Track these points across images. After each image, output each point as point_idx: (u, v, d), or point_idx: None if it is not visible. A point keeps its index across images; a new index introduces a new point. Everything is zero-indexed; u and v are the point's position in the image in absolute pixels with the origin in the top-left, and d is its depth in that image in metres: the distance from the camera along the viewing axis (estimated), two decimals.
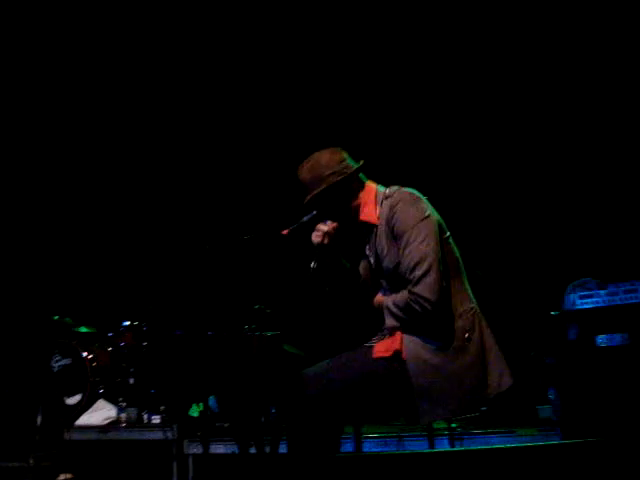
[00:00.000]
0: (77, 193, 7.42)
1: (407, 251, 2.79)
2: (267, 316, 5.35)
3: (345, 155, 3.02)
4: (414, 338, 2.82)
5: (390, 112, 6.61)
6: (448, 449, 4.21)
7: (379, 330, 3.01)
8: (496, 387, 2.83)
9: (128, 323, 6.43)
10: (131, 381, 6.06)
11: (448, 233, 2.95)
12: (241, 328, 5.11)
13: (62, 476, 5.32)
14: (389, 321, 2.89)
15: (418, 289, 2.75)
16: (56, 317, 6.76)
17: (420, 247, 2.77)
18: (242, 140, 7.13)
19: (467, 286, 2.94)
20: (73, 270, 7.26)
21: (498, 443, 4.38)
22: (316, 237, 2.99)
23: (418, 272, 2.75)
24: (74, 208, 7.43)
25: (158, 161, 7.35)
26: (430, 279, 2.74)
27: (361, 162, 3.04)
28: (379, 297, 3.01)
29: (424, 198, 2.95)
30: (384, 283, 3.00)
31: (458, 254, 2.96)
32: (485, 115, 6.51)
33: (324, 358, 3.03)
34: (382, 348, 2.90)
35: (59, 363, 6.47)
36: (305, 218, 3.08)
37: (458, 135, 6.54)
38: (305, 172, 3.00)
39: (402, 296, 2.83)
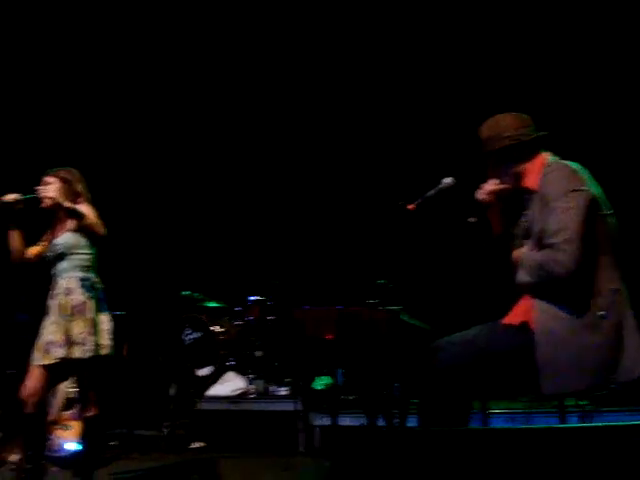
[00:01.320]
0: (204, 171, 7.63)
1: (551, 218, 2.73)
2: (390, 291, 5.32)
3: (528, 122, 3.01)
4: (546, 307, 2.74)
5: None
6: (577, 425, 4.04)
7: (510, 303, 2.94)
8: (629, 373, 2.70)
9: (255, 298, 6.58)
10: (258, 354, 6.20)
11: (608, 211, 2.84)
12: (365, 302, 5.10)
13: (195, 444, 5.51)
14: (521, 277, 2.82)
15: (558, 254, 2.67)
16: (186, 292, 7.00)
17: (564, 216, 2.70)
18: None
19: (616, 267, 2.82)
20: (201, 246, 7.48)
21: (629, 421, 4.16)
22: (480, 194, 3.01)
23: (560, 238, 2.67)
24: (197, 186, 7.65)
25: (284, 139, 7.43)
26: (571, 247, 2.65)
27: (541, 134, 3.00)
28: (518, 252, 2.94)
29: (584, 172, 2.86)
30: (529, 247, 2.94)
31: (615, 234, 2.85)
32: None
33: (449, 332, 2.99)
34: (511, 315, 2.85)
35: (190, 337, 6.70)
36: (431, 192, 3.10)
37: None
38: (484, 130, 3.04)
39: (542, 254, 2.75)
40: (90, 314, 3.72)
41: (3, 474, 4.25)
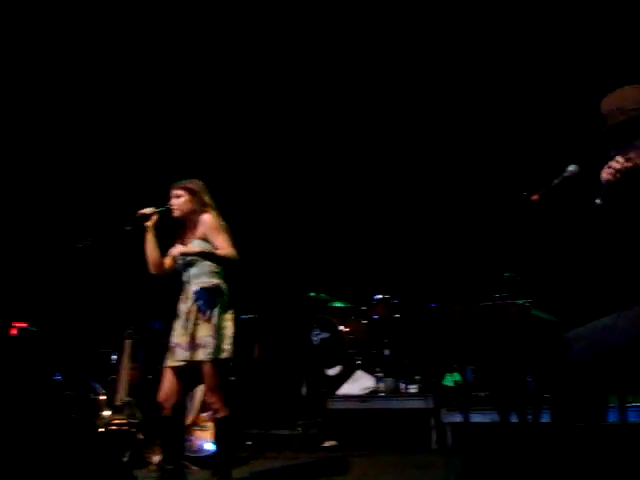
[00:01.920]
0: (331, 174, 7.70)
1: None
2: (518, 284, 5.19)
3: None
4: None
5: None
6: None
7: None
8: None
9: (380, 296, 6.59)
10: (386, 352, 6.20)
11: None
12: (493, 297, 5.00)
13: (327, 443, 5.59)
14: None
15: None
16: (312, 294, 7.10)
17: None
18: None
19: None
20: (326, 248, 7.55)
21: None
22: (606, 174, 2.78)
23: None
24: (323, 189, 7.72)
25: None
26: None
27: None
28: None
29: None
30: None
31: None
32: None
33: (578, 324, 2.86)
34: None
35: (319, 337, 6.80)
36: (556, 181, 2.92)
37: None
38: (607, 103, 2.87)
39: None
40: (215, 318, 3.85)
41: (146, 475, 4.46)
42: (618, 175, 2.76)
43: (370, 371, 6.12)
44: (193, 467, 4.74)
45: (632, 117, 2.75)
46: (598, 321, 2.79)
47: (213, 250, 3.91)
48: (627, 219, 2.82)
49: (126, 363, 5.02)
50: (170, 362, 3.88)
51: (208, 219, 4.00)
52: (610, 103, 2.84)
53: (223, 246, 3.93)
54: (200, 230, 3.99)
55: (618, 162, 2.76)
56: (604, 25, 6.15)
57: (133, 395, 4.96)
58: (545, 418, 3.88)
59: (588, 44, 6.22)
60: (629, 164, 2.76)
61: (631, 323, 2.69)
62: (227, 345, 3.84)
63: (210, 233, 3.97)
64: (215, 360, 3.78)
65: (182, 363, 3.82)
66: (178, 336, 3.88)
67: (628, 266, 2.89)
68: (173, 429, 3.91)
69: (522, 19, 6.50)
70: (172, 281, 4.18)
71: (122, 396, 4.90)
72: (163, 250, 4.12)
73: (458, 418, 4.98)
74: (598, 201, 2.75)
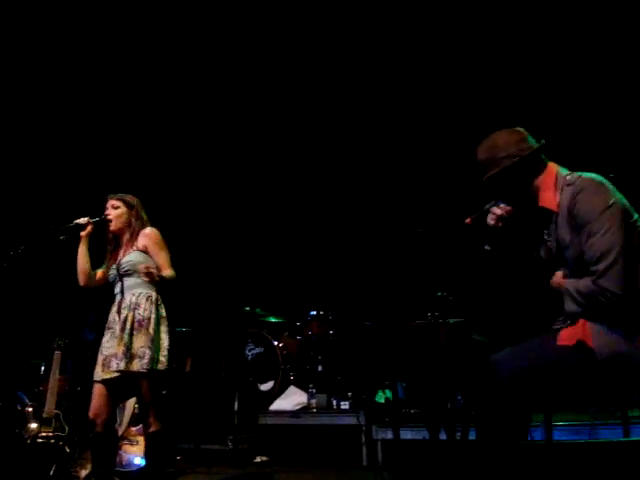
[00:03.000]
0: (265, 190, 7.73)
1: (590, 243, 2.63)
2: (450, 303, 5.29)
3: (524, 135, 2.89)
4: (600, 327, 2.67)
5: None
6: None
7: (559, 314, 2.88)
8: None
9: (315, 313, 6.63)
10: (319, 368, 6.24)
11: (636, 216, 2.76)
12: (425, 316, 5.10)
13: (258, 458, 5.57)
14: (569, 306, 2.75)
15: (603, 282, 2.59)
16: (247, 308, 7.10)
17: (604, 239, 2.61)
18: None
19: None
20: (262, 263, 7.57)
21: None
22: (490, 220, 2.92)
23: (603, 265, 2.59)
24: (262, 205, 7.75)
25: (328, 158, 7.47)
26: (616, 271, 2.57)
27: (541, 142, 2.88)
28: (558, 278, 2.87)
29: (608, 183, 2.76)
30: (566, 271, 2.87)
31: None
32: None
33: (508, 344, 2.95)
34: (566, 336, 2.75)
35: (253, 351, 6.80)
36: (488, 206, 2.99)
37: None
38: (481, 152, 2.93)
39: (585, 284, 2.66)
40: (152, 329, 3.81)
41: None
42: (500, 221, 2.89)
43: (303, 387, 6.13)
44: None
45: (504, 167, 2.83)
46: (523, 343, 2.88)
47: (153, 264, 3.89)
48: (511, 261, 2.93)
49: (55, 374, 4.92)
50: (102, 375, 3.79)
51: (152, 233, 3.99)
52: (483, 152, 2.92)
53: (165, 266, 3.90)
54: (141, 242, 3.96)
55: (499, 209, 2.90)
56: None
57: (61, 407, 4.86)
58: (473, 435, 3.98)
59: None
60: (509, 209, 2.89)
61: (549, 346, 2.79)
62: (163, 357, 3.80)
63: (153, 248, 3.95)
64: (151, 372, 3.73)
65: (116, 374, 3.75)
66: (111, 347, 3.80)
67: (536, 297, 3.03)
68: (105, 445, 3.83)
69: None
70: (104, 291, 4.13)
71: (50, 408, 4.80)
72: (95, 262, 4.08)
73: (389, 435, 5.04)
74: (487, 247, 2.91)
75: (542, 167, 2.86)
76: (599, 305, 2.62)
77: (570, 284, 2.75)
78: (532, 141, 2.88)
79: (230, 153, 7.69)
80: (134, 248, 3.96)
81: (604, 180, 2.75)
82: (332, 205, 7.53)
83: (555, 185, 2.80)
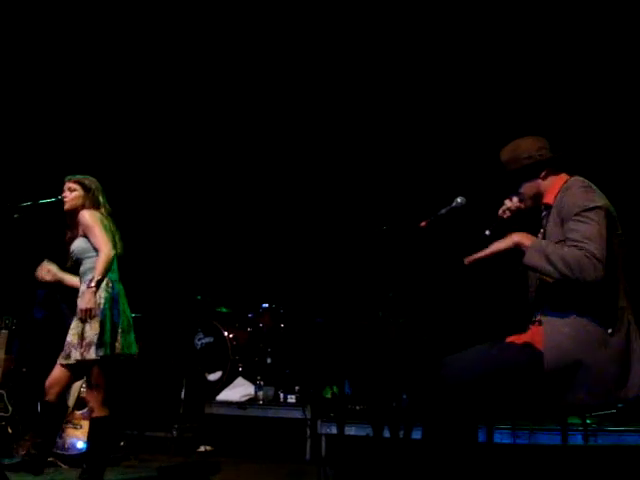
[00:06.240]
0: (223, 181, 7.70)
1: (574, 228, 2.76)
2: (401, 304, 5.36)
3: (545, 144, 3.13)
4: (556, 326, 2.76)
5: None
6: (581, 444, 4.06)
7: (525, 321, 2.98)
8: (636, 390, 2.72)
9: (267, 305, 6.65)
10: (268, 361, 6.26)
11: (619, 231, 2.88)
12: (376, 315, 5.15)
13: (202, 448, 5.58)
14: (543, 265, 2.75)
15: (589, 246, 2.68)
16: (199, 297, 7.07)
17: (589, 226, 2.74)
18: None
19: (624, 284, 2.84)
20: (217, 252, 7.55)
21: (633, 441, 4.17)
22: (501, 210, 3.12)
23: (587, 241, 2.69)
24: (214, 192, 7.72)
25: (290, 152, 7.48)
26: (599, 254, 2.66)
27: (558, 154, 3.10)
28: (523, 235, 2.91)
29: (597, 189, 2.90)
30: None
31: (624, 252, 2.87)
32: None
33: (457, 346, 3.02)
34: (515, 337, 2.86)
35: (202, 341, 6.79)
36: (442, 211, 3.20)
37: None
38: (505, 153, 3.16)
39: (571, 251, 2.71)
40: (103, 315, 3.78)
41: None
42: (509, 213, 3.10)
43: (251, 379, 6.15)
44: (62, 465, 4.63)
45: (525, 165, 3.06)
46: (472, 348, 2.95)
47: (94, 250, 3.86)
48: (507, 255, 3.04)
49: (0, 354, 4.85)
50: (63, 360, 3.78)
51: (83, 217, 3.94)
52: (507, 153, 3.15)
53: (100, 246, 3.85)
54: (80, 228, 3.94)
55: (512, 201, 3.11)
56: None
57: (5, 387, 4.79)
58: (416, 435, 4.05)
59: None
60: (519, 204, 3.09)
61: (500, 352, 2.86)
62: (117, 342, 3.79)
63: (88, 231, 3.91)
64: (103, 358, 3.72)
65: (74, 362, 3.74)
66: (71, 335, 3.79)
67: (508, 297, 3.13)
68: (52, 415, 3.80)
69: None
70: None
71: None
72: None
73: (333, 430, 5.09)
74: (487, 232, 3.07)
75: (555, 173, 3.07)
76: (578, 276, 2.66)
77: (550, 246, 2.80)
78: (550, 152, 3.11)
79: (188, 140, 7.65)
80: (78, 234, 3.94)
81: (592, 185, 2.92)
82: (287, 197, 7.54)
83: (560, 188, 2.99)
